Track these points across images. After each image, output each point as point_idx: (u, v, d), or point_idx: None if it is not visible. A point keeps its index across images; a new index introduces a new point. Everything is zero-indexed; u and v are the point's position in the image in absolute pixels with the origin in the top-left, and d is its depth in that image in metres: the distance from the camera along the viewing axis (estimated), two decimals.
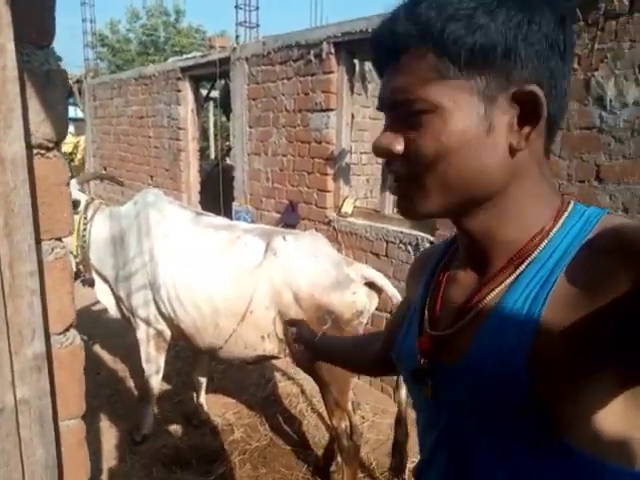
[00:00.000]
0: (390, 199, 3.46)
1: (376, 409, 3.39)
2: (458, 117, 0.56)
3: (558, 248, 0.57)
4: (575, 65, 2.30)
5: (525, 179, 0.60)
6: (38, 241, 0.61)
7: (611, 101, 2.22)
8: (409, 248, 3.19)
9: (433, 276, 0.75)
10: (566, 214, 0.60)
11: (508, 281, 0.60)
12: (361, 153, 5.36)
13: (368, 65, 5.13)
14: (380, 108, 0.64)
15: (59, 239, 0.65)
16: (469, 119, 0.56)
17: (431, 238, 3.06)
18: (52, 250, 0.64)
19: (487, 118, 0.56)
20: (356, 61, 3.70)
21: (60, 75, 0.61)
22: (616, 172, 2.22)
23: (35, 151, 0.60)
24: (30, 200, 0.56)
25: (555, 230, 0.59)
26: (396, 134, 0.60)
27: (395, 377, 3.51)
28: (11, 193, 0.54)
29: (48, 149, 0.62)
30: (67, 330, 0.68)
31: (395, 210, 4.23)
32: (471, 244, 0.65)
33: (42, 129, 0.60)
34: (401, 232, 3.24)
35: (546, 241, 0.58)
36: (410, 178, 0.60)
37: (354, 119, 4.06)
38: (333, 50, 3.49)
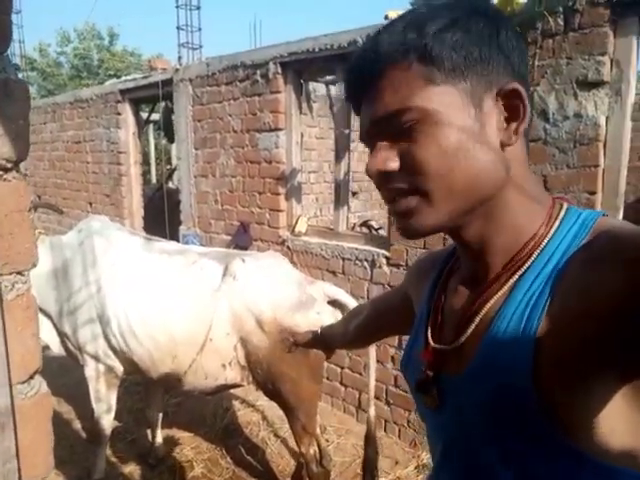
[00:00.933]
0: (344, 216, 3.45)
1: (340, 430, 3.33)
2: (451, 120, 0.58)
3: (555, 253, 0.58)
4: None
5: (515, 180, 0.61)
6: None
7: (553, 114, 2.32)
8: (365, 264, 3.19)
9: (436, 287, 0.75)
10: (560, 218, 0.61)
11: (505, 289, 0.61)
12: (309, 172, 5.37)
13: (313, 85, 5.17)
14: (366, 134, 0.64)
15: (21, 273, 0.57)
16: (462, 121, 0.58)
17: (387, 254, 3.07)
18: (13, 286, 0.56)
19: (477, 119, 0.58)
20: (302, 81, 3.71)
21: (20, 86, 0.53)
22: (562, 181, 2.32)
23: None
24: None
25: (550, 235, 0.59)
26: (388, 151, 0.61)
27: (357, 396, 3.48)
28: None
29: (7, 170, 0.54)
30: (32, 377, 0.59)
31: (358, 228, 4.24)
32: (468, 254, 0.66)
33: None
34: (356, 249, 3.24)
35: (542, 247, 0.59)
36: (412, 191, 0.60)
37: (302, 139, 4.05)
38: (280, 70, 3.48)
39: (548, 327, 0.54)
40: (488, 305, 0.61)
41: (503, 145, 0.59)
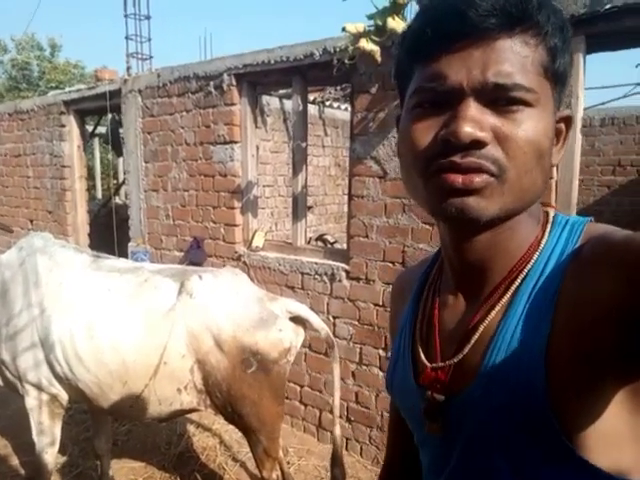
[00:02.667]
0: (302, 230, 3.39)
1: (301, 451, 3.23)
2: (548, 119, 0.55)
3: (550, 260, 0.57)
4: None
5: None
6: None
7: None
8: (325, 278, 3.14)
9: (418, 301, 0.71)
10: (550, 224, 0.61)
11: (505, 298, 0.59)
12: (264, 186, 5.30)
13: (266, 99, 5.13)
14: (452, 89, 0.54)
15: None
16: (552, 126, 0.56)
17: (347, 267, 3.03)
18: None
19: (553, 129, 0.57)
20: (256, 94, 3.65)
21: None
22: None
23: None
24: None
25: (544, 242, 0.59)
26: (482, 118, 0.53)
27: (318, 414, 3.39)
28: None
29: None
30: None
31: (314, 242, 4.16)
32: (465, 265, 0.62)
33: None
34: (315, 263, 3.18)
35: (537, 254, 0.58)
36: (491, 171, 0.53)
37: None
38: (234, 82, 3.41)
39: (556, 335, 0.52)
40: (492, 314, 0.59)
41: (552, 163, 0.59)
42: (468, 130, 0.51)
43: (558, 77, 0.55)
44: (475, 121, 0.52)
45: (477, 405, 0.57)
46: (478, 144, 0.52)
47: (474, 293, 0.62)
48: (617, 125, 6.32)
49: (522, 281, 0.58)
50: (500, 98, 0.53)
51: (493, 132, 0.53)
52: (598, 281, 0.50)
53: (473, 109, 0.53)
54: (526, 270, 0.58)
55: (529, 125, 0.53)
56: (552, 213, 0.63)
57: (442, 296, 0.67)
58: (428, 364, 0.64)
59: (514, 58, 0.52)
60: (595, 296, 0.49)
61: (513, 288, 0.58)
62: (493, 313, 0.59)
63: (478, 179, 0.53)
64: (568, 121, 0.60)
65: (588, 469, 0.51)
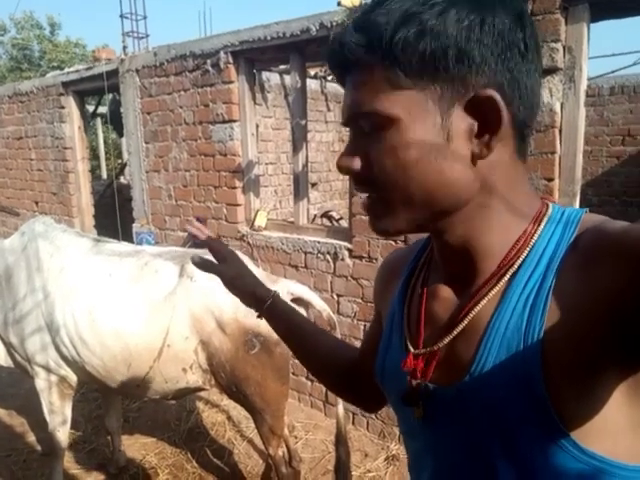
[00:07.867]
0: (304, 209, 3.38)
1: (308, 426, 3.29)
2: (414, 129, 0.54)
3: (545, 252, 0.56)
4: None
5: (498, 186, 0.57)
6: None
7: None
8: (328, 257, 3.14)
9: (407, 286, 0.71)
10: (547, 216, 0.60)
11: (497, 289, 0.58)
12: (266, 164, 5.27)
13: (266, 75, 5.05)
14: (343, 124, 0.62)
15: None
16: (425, 130, 0.54)
17: (349, 246, 3.03)
18: None
19: (444, 128, 0.54)
20: (254, 71, 3.59)
21: None
22: None
23: None
24: None
25: (538, 233, 0.58)
26: (355, 149, 0.59)
27: (324, 390, 3.43)
28: None
29: None
30: None
31: (319, 220, 4.18)
32: (452, 255, 0.62)
33: None
34: (318, 242, 3.18)
35: (530, 246, 0.57)
36: (375, 195, 0.60)
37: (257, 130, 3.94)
38: (231, 59, 3.36)
39: (552, 327, 0.52)
40: (479, 307, 0.58)
41: (474, 158, 0.55)
42: (341, 162, 0.60)
43: (430, 75, 0.53)
44: (348, 151, 0.59)
45: (470, 396, 0.58)
46: (351, 172, 0.59)
47: (465, 284, 0.62)
48: (627, 94, 6.17)
49: (515, 273, 0.57)
50: (358, 126, 0.58)
51: (364, 159, 0.58)
52: (596, 273, 0.50)
53: (350, 139, 0.60)
54: (519, 262, 0.57)
55: (385, 145, 0.55)
56: (550, 205, 0.62)
57: (431, 283, 0.67)
58: (412, 350, 0.64)
59: (359, 88, 0.56)
60: (593, 288, 0.49)
61: (505, 279, 0.58)
62: (483, 303, 0.58)
63: (367, 202, 0.61)
64: (486, 102, 0.53)
65: (584, 454, 0.52)
